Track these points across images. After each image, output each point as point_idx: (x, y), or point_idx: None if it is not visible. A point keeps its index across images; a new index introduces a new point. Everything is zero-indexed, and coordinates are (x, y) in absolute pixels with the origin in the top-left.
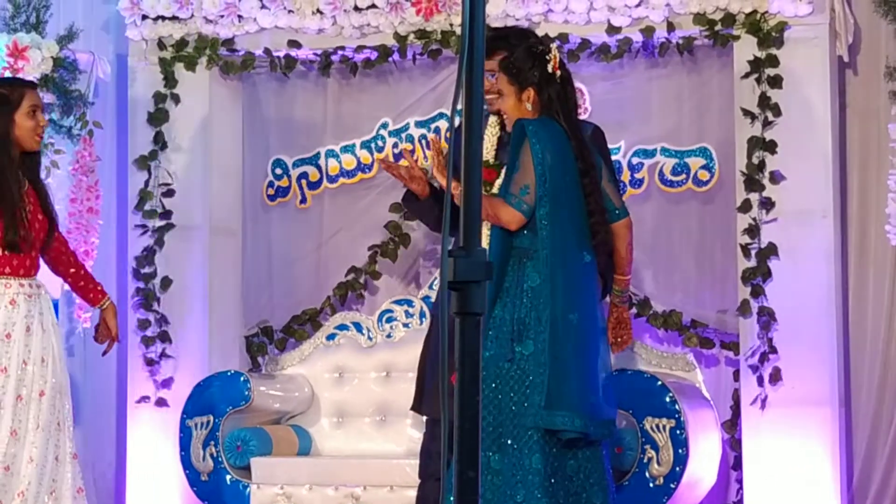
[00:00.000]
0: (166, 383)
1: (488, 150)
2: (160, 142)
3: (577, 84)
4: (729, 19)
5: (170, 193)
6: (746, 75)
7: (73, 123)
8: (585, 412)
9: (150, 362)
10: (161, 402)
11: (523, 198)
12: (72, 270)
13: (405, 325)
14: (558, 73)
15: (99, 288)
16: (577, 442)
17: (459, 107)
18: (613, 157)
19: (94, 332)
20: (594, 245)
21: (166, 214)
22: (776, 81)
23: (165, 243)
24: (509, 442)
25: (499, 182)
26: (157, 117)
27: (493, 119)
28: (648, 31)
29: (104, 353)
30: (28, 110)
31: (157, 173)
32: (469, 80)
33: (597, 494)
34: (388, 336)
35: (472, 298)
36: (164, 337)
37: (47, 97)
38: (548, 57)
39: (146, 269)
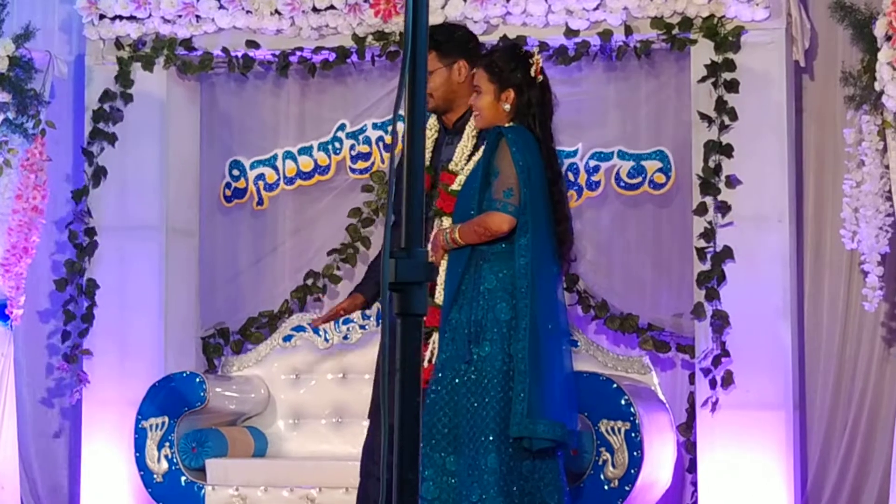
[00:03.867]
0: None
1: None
2: (113, 141)
3: None
4: (686, 23)
5: (88, 194)
6: (703, 79)
7: (26, 122)
8: (563, 421)
9: (72, 360)
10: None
11: (508, 200)
12: None
13: (362, 327)
14: (540, 77)
15: None
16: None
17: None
18: (571, 160)
19: None
20: (561, 253)
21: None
22: (733, 86)
23: (121, 243)
24: (465, 442)
25: (458, 180)
26: (109, 116)
27: (431, 121)
28: (606, 35)
29: None
30: None
31: (91, 172)
32: (412, 83)
33: (551, 495)
34: (345, 338)
35: (413, 299)
36: (84, 332)
37: (2, 96)
38: (531, 60)
39: (71, 268)
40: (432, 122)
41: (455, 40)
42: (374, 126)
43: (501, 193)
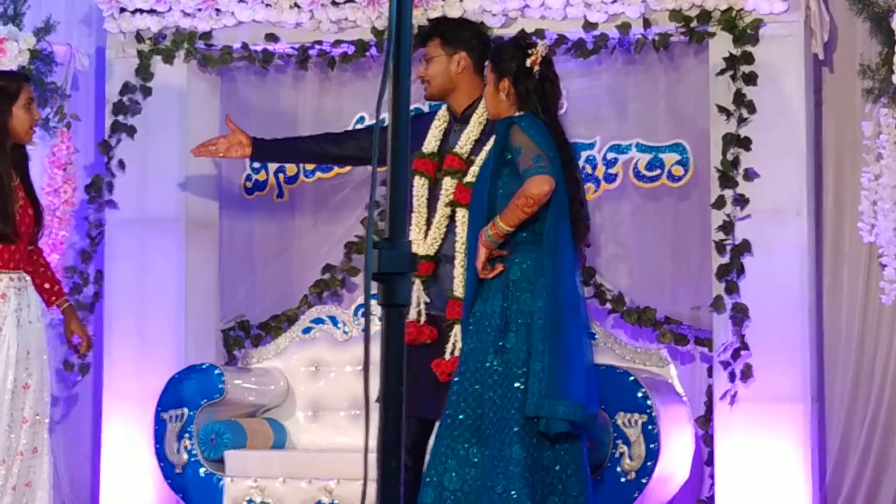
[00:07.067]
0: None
1: (429, 141)
2: (132, 132)
3: None
4: (704, 16)
5: (110, 186)
6: (721, 72)
7: (50, 115)
8: (583, 403)
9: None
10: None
11: (540, 164)
12: (40, 269)
13: (381, 319)
14: (536, 68)
15: (56, 288)
16: (559, 434)
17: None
18: (588, 153)
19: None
20: (574, 232)
21: (112, 203)
22: (751, 78)
23: (141, 236)
24: (491, 434)
25: (472, 171)
26: (129, 108)
27: (441, 112)
28: (625, 28)
29: (82, 356)
30: (25, 103)
31: (111, 164)
32: (396, 73)
33: (574, 485)
34: (364, 330)
35: (396, 290)
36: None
37: None
38: (530, 52)
39: (84, 259)
40: (442, 112)
41: (461, 33)
42: None
43: (531, 160)
